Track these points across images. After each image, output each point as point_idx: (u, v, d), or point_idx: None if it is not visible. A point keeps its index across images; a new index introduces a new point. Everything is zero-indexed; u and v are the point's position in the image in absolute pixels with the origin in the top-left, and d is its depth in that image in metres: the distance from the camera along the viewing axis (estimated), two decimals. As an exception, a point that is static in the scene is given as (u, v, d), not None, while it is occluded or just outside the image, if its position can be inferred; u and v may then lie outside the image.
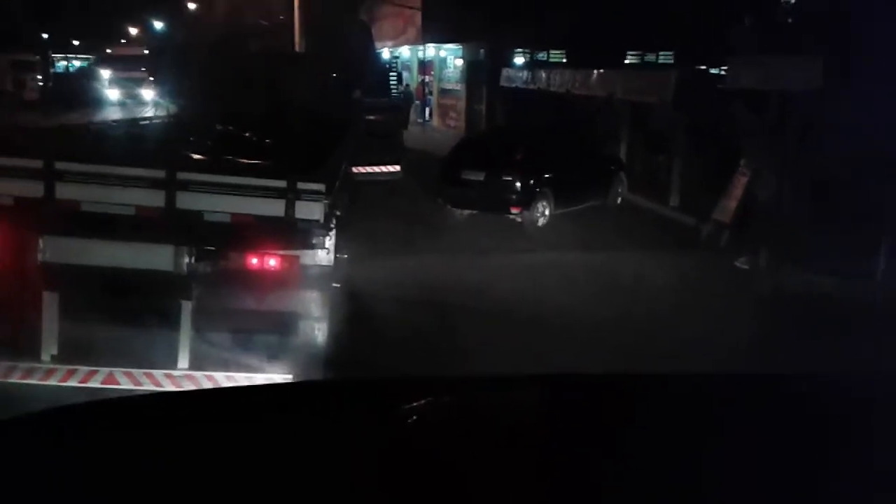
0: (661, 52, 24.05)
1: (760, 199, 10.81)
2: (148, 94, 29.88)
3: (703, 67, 18.07)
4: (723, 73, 14.94)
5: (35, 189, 5.06)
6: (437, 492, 1.22)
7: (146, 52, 36.02)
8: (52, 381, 4.95)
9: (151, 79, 30.92)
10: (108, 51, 39.06)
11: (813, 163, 10.37)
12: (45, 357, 5.07)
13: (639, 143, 17.02)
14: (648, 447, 1.38)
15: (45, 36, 42.97)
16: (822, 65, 10.16)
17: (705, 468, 1.30)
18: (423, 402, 1.51)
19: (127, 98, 31.11)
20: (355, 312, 6.38)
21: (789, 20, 12.71)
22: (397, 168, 12.36)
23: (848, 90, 9.52)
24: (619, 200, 15.12)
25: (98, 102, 30.92)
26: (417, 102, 30.72)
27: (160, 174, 5.14)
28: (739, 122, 11.88)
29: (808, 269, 9.25)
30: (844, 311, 7.98)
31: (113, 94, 33.12)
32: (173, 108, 11.16)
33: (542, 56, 26.38)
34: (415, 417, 1.47)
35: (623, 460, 1.34)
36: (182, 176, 5.18)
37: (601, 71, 17.97)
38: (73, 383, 4.93)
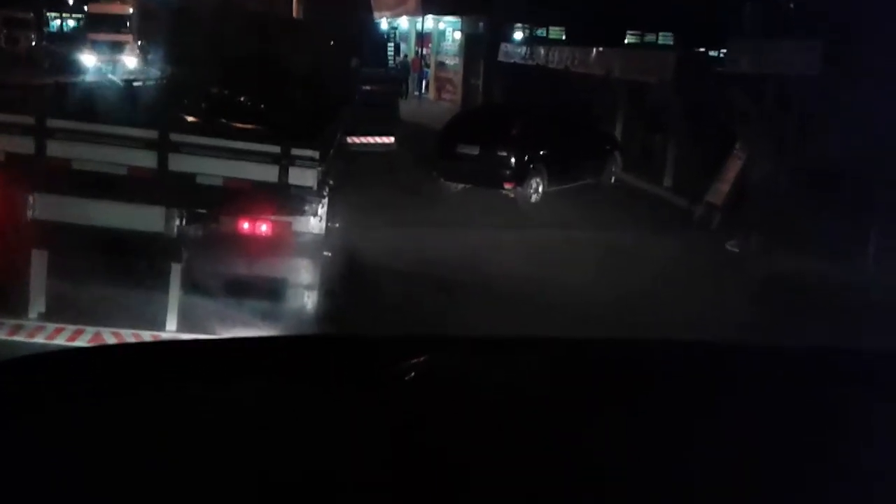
0: (661, 33, 23.98)
1: (753, 183, 10.82)
2: (130, 60, 27.47)
3: (703, 49, 18.03)
4: (722, 55, 14.92)
5: (26, 146, 5.03)
6: (431, 451, 1.21)
7: (130, 11, 31.52)
8: (39, 339, 4.94)
9: (139, 42, 28.51)
10: (86, 8, 34.06)
11: (808, 148, 10.39)
12: (33, 314, 5.08)
13: (635, 122, 17.00)
14: (647, 412, 1.38)
15: (39, -7, 42.18)
16: (821, 50, 10.14)
17: (705, 434, 1.30)
18: (420, 359, 1.51)
19: (105, 64, 26.36)
20: (345, 280, 6.37)
21: (791, 5, 12.67)
22: (391, 140, 12.29)
23: (846, 76, 9.52)
24: (612, 179, 15.12)
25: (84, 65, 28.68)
26: (414, 75, 30.50)
27: (153, 135, 5.12)
28: (736, 106, 11.87)
29: (798, 253, 9.28)
30: (833, 295, 8.02)
31: (89, 60, 27.62)
32: (165, 73, 11.04)
33: (541, 32, 26.24)
34: (413, 374, 1.46)
35: (621, 424, 1.34)
36: (175, 137, 5.16)
37: (600, 49, 17.88)
38: (60, 341, 4.93)
